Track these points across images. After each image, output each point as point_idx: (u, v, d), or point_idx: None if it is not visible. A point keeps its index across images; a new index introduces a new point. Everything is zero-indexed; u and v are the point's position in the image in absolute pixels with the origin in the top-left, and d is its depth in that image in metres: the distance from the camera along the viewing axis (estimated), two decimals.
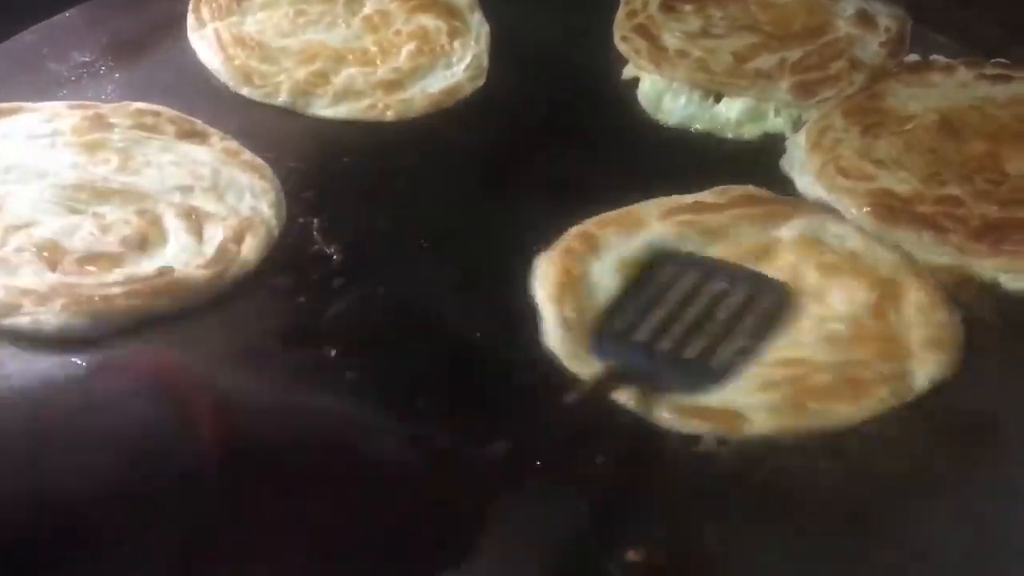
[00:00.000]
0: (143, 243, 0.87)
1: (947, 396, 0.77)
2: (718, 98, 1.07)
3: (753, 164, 1.02)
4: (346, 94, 1.07)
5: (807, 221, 0.90)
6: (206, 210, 0.91)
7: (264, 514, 0.54)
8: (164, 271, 0.84)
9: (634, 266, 0.86)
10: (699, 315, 0.80)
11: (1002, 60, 1.09)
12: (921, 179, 0.94)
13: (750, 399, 0.75)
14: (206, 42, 1.11)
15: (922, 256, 0.89)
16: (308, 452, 0.59)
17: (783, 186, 0.99)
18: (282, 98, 1.06)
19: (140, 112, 1.00)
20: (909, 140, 0.98)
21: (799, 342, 0.80)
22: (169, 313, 0.83)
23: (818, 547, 0.68)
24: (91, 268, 0.84)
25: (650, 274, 0.85)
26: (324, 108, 1.06)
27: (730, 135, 1.06)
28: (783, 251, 0.88)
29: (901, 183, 0.94)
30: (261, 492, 0.54)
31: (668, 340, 0.78)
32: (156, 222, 0.89)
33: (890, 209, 0.92)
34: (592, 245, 0.87)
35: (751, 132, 1.06)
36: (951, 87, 1.06)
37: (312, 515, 0.56)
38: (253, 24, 1.14)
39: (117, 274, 0.84)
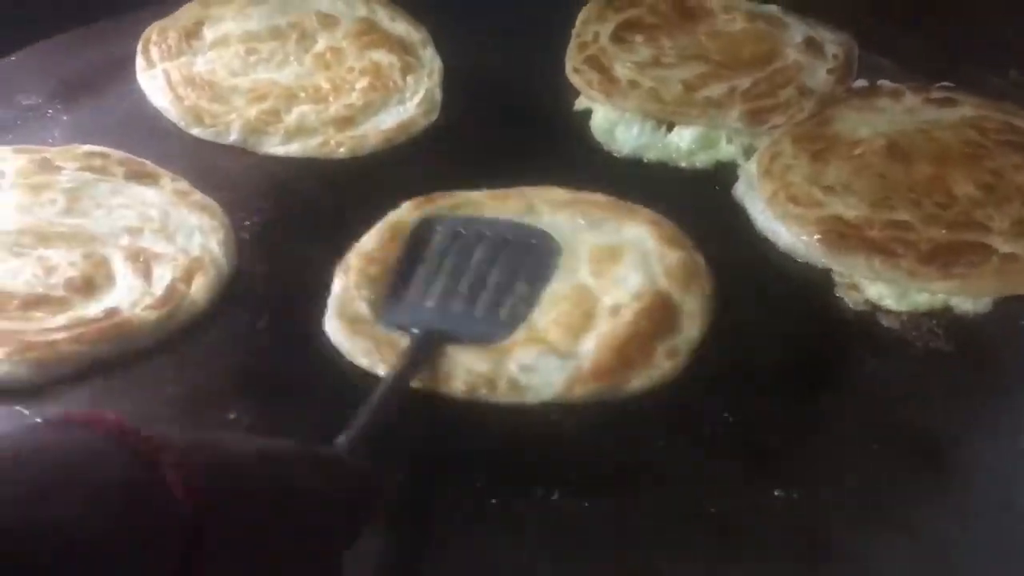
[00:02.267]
0: (89, 286, 0.86)
1: (899, 419, 0.78)
2: (670, 127, 1.08)
3: (706, 192, 1.03)
4: (298, 131, 1.06)
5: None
6: (155, 251, 0.90)
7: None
8: (111, 312, 0.83)
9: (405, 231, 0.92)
10: (479, 271, 0.87)
11: (947, 84, 1.10)
12: (870, 204, 0.95)
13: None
14: (156, 83, 1.11)
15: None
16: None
17: (736, 214, 1.00)
18: (233, 136, 1.05)
19: (88, 155, 0.99)
20: (858, 165, 0.99)
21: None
22: (117, 357, 0.82)
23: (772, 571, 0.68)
24: (35, 313, 0.83)
25: (423, 239, 0.91)
26: (276, 146, 1.06)
27: (683, 164, 1.07)
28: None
29: (850, 209, 0.95)
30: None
31: (458, 300, 0.86)
32: (103, 264, 0.88)
33: (840, 235, 0.93)
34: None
35: (703, 160, 1.07)
36: (898, 112, 1.07)
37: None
38: (203, 64, 1.14)
39: (62, 318, 0.82)
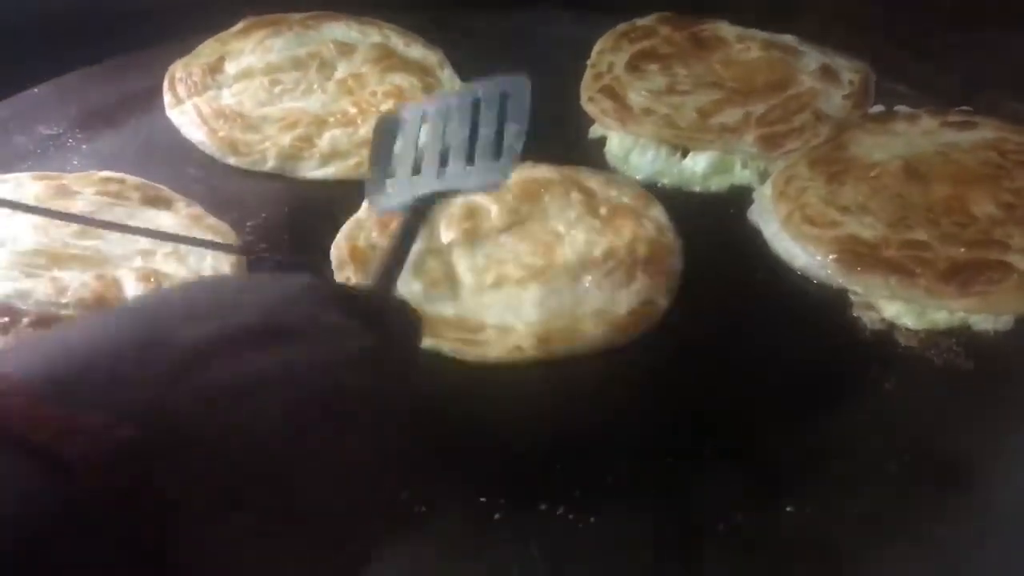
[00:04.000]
0: (100, 304, 0.86)
1: (917, 436, 0.75)
2: (684, 153, 1.07)
3: (721, 215, 1.02)
4: (333, 154, 1.08)
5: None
6: (166, 271, 0.91)
7: None
8: None
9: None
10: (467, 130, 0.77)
11: (965, 108, 1.09)
12: (887, 224, 0.94)
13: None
14: (188, 117, 1.12)
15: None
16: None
17: (752, 236, 0.99)
18: (270, 164, 1.07)
19: (105, 180, 1.00)
20: (875, 186, 0.98)
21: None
22: None
23: None
24: (46, 331, 0.83)
25: (390, 128, 0.81)
26: (313, 170, 1.07)
27: (698, 188, 1.06)
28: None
29: (867, 228, 0.94)
30: None
31: (453, 162, 0.75)
32: (114, 285, 0.88)
33: (856, 255, 0.91)
34: None
35: (718, 184, 1.06)
36: (915, 135, 1.06)
37: None
38: (230, 97, 1.15)
39: None
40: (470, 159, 0.75)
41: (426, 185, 0.75)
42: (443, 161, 0.76)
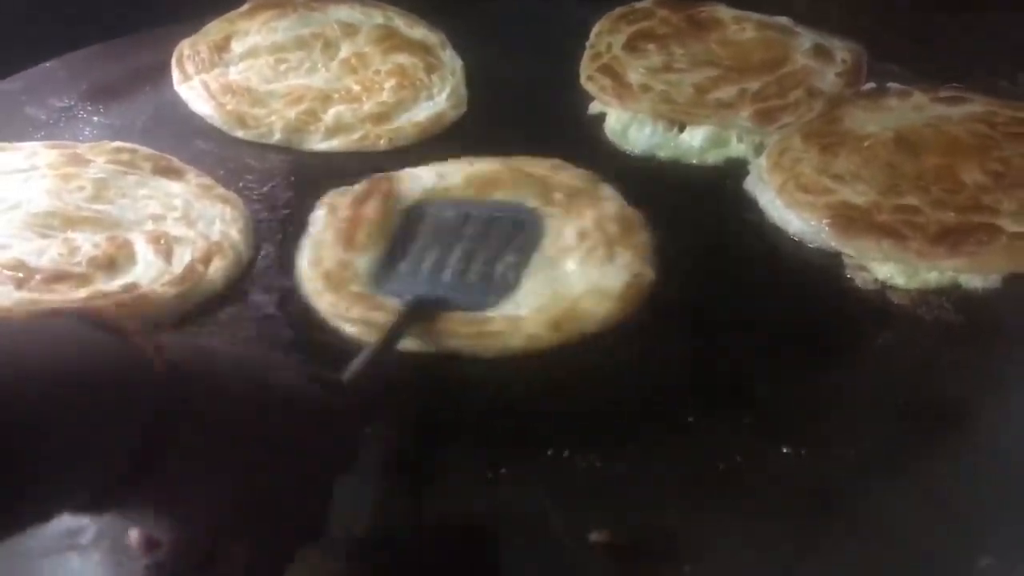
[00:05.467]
0: (111, 264, 0.88)
1: (909, 384, 0.78)
2: (681, 128, 1.10)
3: (718, 186, 1.04)
4: (338, 129, 1.10)
5: None
6: (176, 234, 0.93)
7: None
8: (129, 287, 0.85)
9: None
10: (470, 245, 0.91)
11: (956, 85, 1.12)
12: (879, 191, 0.96)
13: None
14: (195, 92, 1.15)
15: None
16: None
17: (748, 205, 1.01)
18: (276, 136, 1.09)
19: (117, 150, 1.03)
20: (867, 156, 1.00)
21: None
22: None
23: (779, 526, 0.68)
24: (58, 287, 0.85)
25: (415, 217, 0.94)
26: (318, 143, 1.10)
27: (695, 161, 1.08)
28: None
29: (859, 195, 0.96)
30: None
31: (449, 271, 0.88)
32: (126, 246, 0.91)
33: (849, 219, 0.93)
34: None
35: (715, 158, 1.08)
36: (907, 110, 1.08)
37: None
38: (237, 73, 1.18)
39: (83, 292, 0.85)
40: (466, 275, 0.88)
41: (422, 287, 0.86)
42: (442, 267, 0.88)
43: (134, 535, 0.55)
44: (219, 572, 0.54)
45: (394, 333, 0.78)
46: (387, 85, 1.15)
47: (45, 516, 0.46)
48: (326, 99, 1.13)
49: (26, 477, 0.42)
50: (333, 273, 0.89)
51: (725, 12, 1.26)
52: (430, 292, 0.86)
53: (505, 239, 0.92)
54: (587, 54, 1.22)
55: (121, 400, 0.47)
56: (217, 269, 0.90)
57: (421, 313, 0.83)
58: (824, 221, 0.94)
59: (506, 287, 0.87)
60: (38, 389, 0.43)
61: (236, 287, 0.91)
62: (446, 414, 0.78)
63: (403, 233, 0.93)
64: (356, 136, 1.10)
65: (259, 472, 0.55)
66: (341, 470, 0.62)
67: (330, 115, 1.11)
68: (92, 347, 0.48)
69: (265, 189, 1.03)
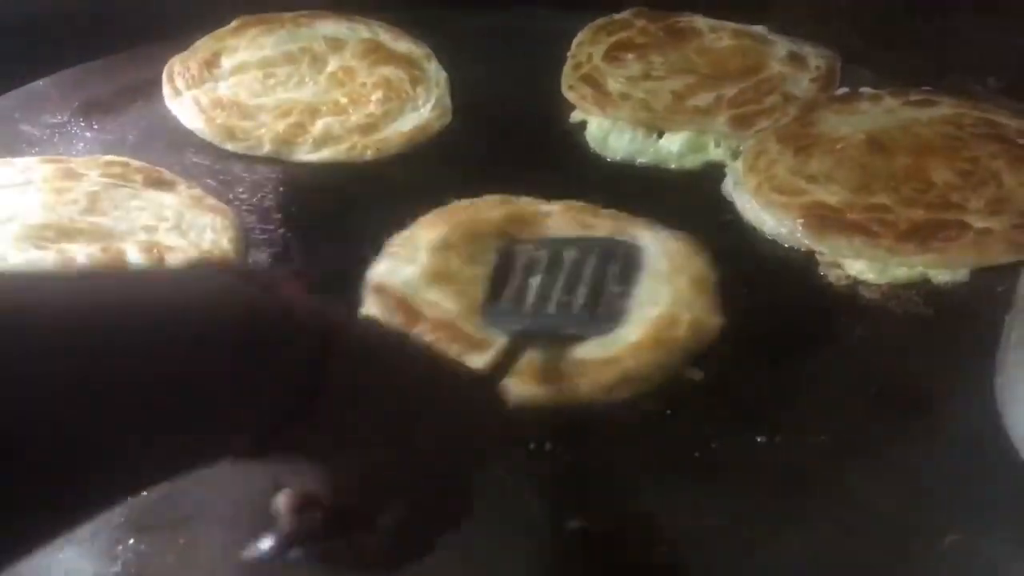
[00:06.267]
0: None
1: (880, 372, 0.81)
2: (660, 134, 1.13)
3: (696, 189, 1.07)
4: (325, 140, 1.13)
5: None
6: (168, 244, 0.95)
7: None
8: None
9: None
10: (569, 279, 0.87)
11: (926, 88, 1.15)
12: (851, 190, 0.99)
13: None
14: (186, 107, 1.17)
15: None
16: None
17: (725, 207, 1.04)
18: (266, 148, 1.12)
19: (109, 163, 1.05)
20: (839, 157, 1.03)
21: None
22: None
23: (754, 510, 0.70)
24: None
25: (508, 255, 0.92)
26: (307, 154, 1.12)
27: (673, 166, 1.11)
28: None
29: (832, 195, 0.99)
30: None
31: (552, 303, 0.85)
32: (119, 255, 0.93)
33: (822, 218, 0.97)
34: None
35: (693, 162, 1.11)
36: (878, 113, 1.12)
37: None
38: (226, 89, 1.20)
39: None
40: (570, 306, 0.84)
41: (528, 320, 0.83)
42: (546, 301, 0.85)
43: (283, 499, 0.53)
44: (369, 542, 0.53)
45: (508, 359, 0.74)
46: (373, 97, 1.18)
47: (211, 459, 0.47)
48: (314, 112, 1.16)
49: (194, 417, 0.44)
50: None
51: (702, 22, 1.29)
52: (535, 326, 0.82)
53: (602, 270, 0.88)
54: (568, 64, 1.25)
55: (274, 343, 0.47)
56: None
57: (522, 347, 0.77)
58: (798, 221, 0.97)
59: (614, 317, 0.84)
60: (198, 333, 0.44)
61: None
62: None
63: (498, 271, 0.90)
64: (344, 147, 1.13)
65: (410, 433, 0.54)
66: (481, 461, 0.61)
67: (318, 127, 1.14)
68: (241, 296, 0.48)
69: (255, 200, 1.05)
